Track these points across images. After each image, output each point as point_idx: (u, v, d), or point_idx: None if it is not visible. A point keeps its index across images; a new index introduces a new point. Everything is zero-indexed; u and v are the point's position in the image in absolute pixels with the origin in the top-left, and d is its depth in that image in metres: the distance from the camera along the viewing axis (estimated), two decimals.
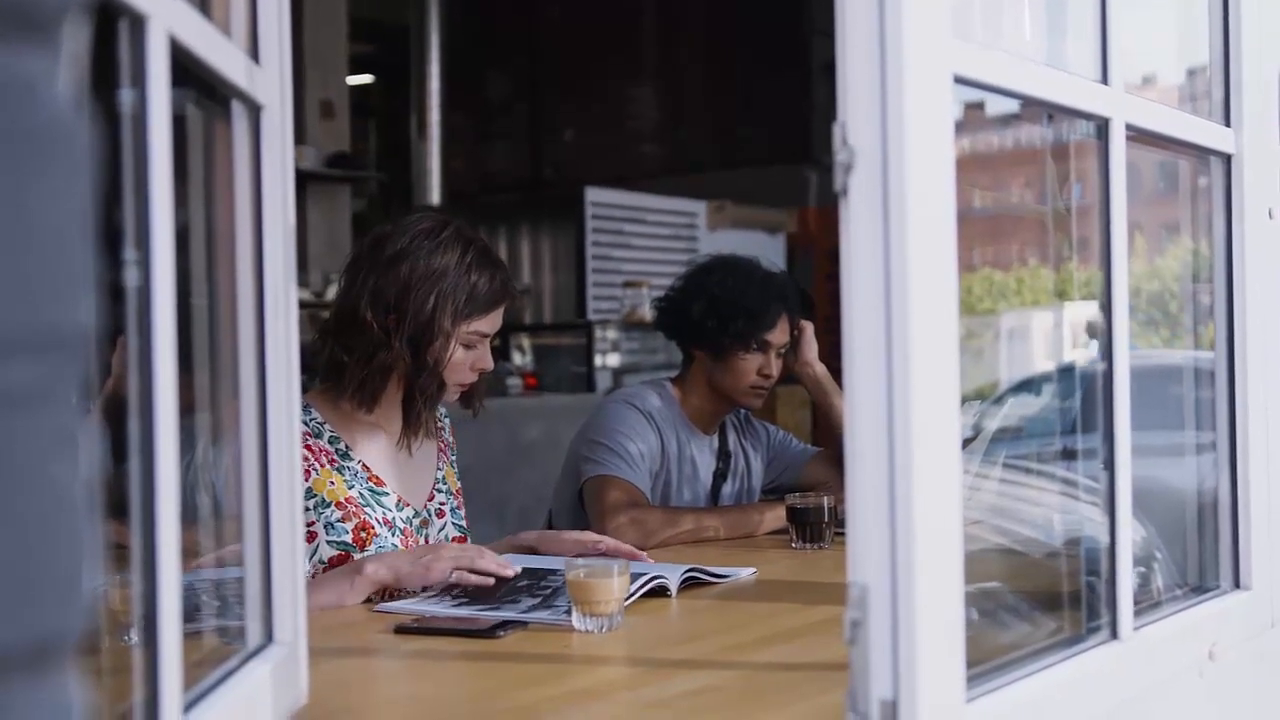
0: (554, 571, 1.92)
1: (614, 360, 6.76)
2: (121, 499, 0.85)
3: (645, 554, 2.11)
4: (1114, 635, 1.35)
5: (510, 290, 2.14)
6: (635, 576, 1.82)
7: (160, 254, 0.87)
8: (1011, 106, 1.38)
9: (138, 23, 0.85)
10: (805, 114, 8.37)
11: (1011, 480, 1.77)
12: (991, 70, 1.17)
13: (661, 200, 7.74)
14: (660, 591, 1.90)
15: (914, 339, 1.01)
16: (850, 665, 1.04)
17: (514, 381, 6.02)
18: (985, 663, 1.16)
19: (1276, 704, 1.74)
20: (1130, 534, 1.36)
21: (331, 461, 2.07)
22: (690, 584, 1.99)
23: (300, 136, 6.92)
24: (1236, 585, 1.64)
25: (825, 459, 2.87)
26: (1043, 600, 1.51)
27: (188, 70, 0.97)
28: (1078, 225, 1.65)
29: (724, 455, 2.82)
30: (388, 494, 2.11)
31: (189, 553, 0.95)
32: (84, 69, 0.63)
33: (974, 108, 1.27)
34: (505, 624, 1.69)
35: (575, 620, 1.67)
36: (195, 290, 1.10)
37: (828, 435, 2.94)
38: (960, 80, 1.09)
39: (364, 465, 2.10)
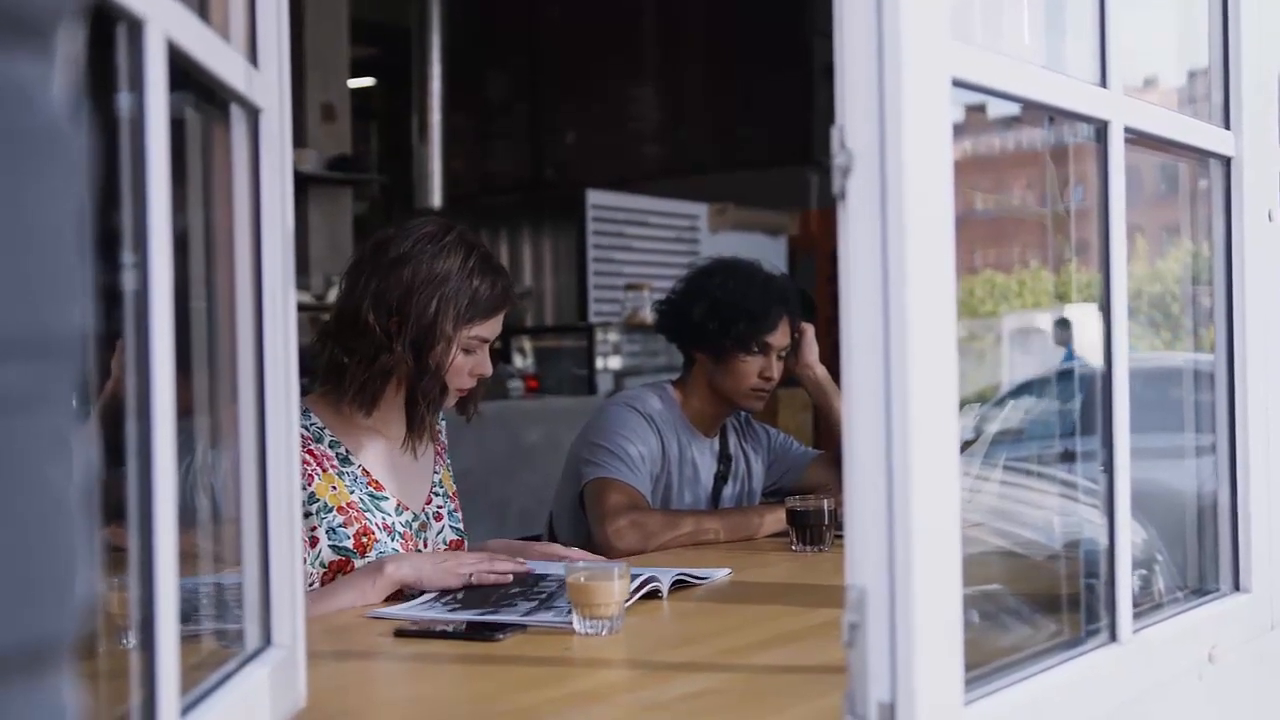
0: (547, 576, 1.96)
1: (615, 363, 6.76)
2: (120, 502, 0.85)
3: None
4: (1113, 638, 1.35)
5: (511, 297, 2.16)
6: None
7: (158, 257, 0.87)
8: (1013, 108, 1.38)
9: (135, 26, 0.85)
10: (806, 115, 8.38)
11: (1012, 482, 1.76)
12: (990, 73, 1.17)
13: (663, 203, 7.75)
14: (653, 594, 1.91)
15: (912, 342, 1.01)
16: (848, 668, 1.03)
17: (515, 384, 6.02)
18: (984, 665, 1.16)
19: (1276, 707, 1.74)
20: (1130, 536, 1.36)
21: (333, 466, 2.07)
22: (676, 586, 2.00)
23: (301, 139, 6.93)
24: (1236, 588, 1.64)
25: (826, 461, 2.87)
26: (1042, 602, 1.50)
27: (186, 74, 0.97)
28: (1079, 228, 1.64)
29: (725, 458, 2.82)
30: (387, 498, 2.12)
31: (187, 556, 0.95)
32: (79, 73, 0.63)
33: (975, 110, 1.27)
34: (505, 627, 1.69)
35: (576, 623, 1.67)
36: (194, 294, 1.10)
37: (829, 438, 2.94)
38: (958, 83, 1.09)
39: (364, 470, 2.11)
